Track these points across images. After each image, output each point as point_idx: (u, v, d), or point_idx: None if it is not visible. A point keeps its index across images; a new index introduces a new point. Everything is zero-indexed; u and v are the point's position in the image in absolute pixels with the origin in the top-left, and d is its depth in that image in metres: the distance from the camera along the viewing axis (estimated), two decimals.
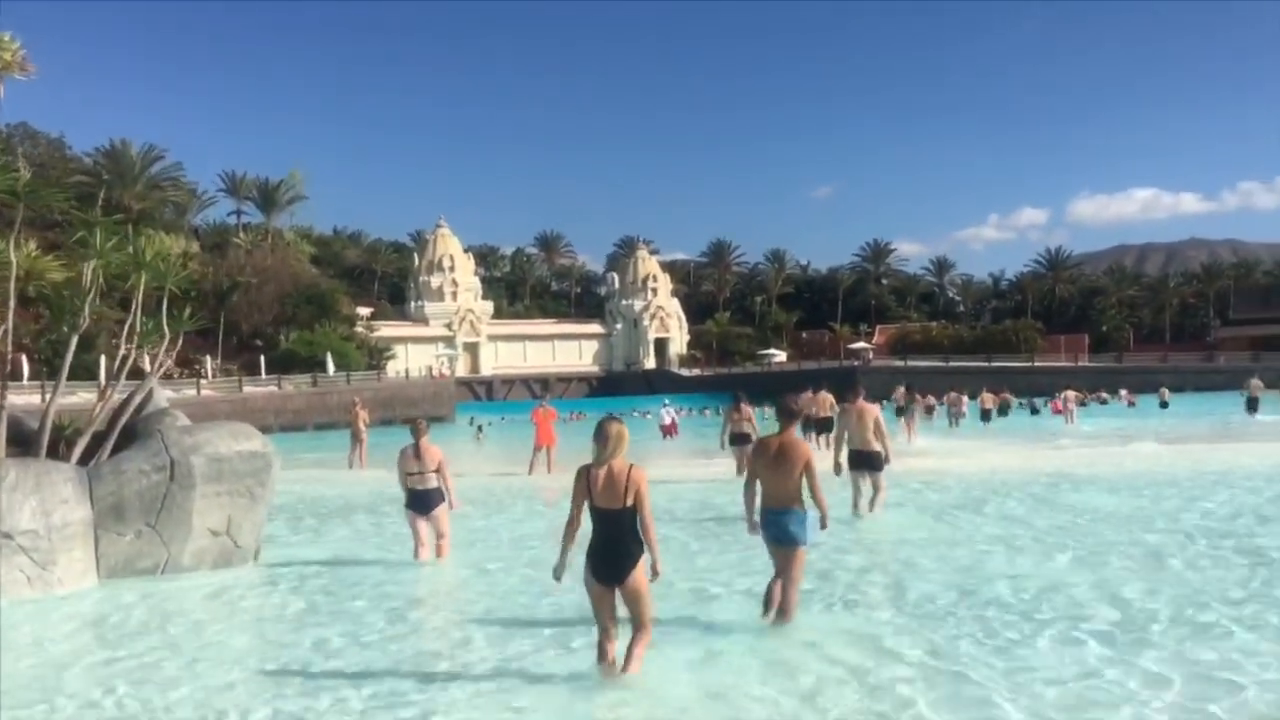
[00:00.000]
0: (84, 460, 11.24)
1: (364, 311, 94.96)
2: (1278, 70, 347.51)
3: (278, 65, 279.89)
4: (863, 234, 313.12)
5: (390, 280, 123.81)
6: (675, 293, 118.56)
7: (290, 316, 78.79)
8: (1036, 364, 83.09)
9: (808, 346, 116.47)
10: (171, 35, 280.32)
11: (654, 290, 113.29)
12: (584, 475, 6.48)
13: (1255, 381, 39.79)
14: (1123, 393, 59.21)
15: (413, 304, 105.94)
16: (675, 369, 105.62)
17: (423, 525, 11.30)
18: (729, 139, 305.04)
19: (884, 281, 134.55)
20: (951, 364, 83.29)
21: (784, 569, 7.66)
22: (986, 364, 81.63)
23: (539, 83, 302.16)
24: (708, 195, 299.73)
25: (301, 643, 8.04)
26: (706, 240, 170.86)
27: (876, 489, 13.75)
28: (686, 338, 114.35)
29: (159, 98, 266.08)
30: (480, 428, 42.23)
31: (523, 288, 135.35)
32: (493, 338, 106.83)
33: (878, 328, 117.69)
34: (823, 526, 7.90)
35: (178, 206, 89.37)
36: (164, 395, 12.80)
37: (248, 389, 62.15)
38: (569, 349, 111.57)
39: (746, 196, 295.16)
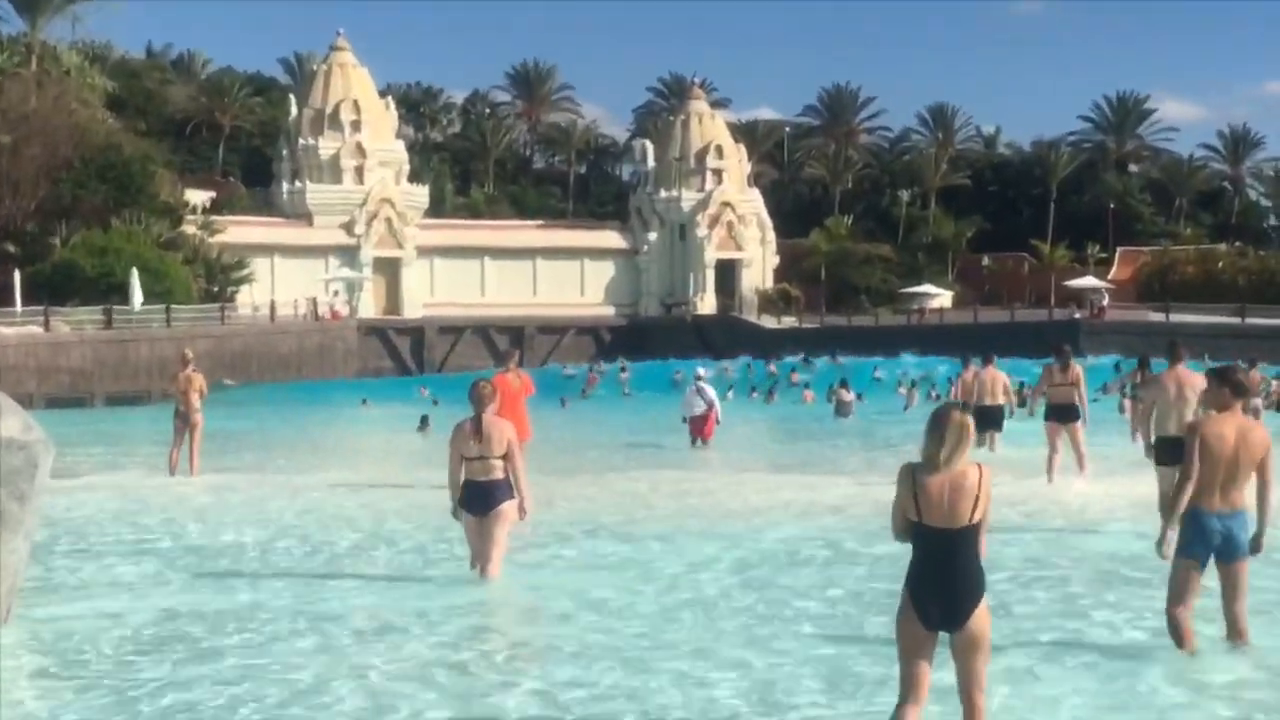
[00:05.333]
0: None
1: (199, 198, 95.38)
2: None
3: None
4: (1096, 83, 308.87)
5: (247, 142, 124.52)
6: (756, 179, 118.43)
7: (69, 203, 79.56)
8: None
9: (992, 282, 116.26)
10: None
11: (718, 173, 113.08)
12: (910, 479, 8.04)
13: None
14: None
15: (285, 186, 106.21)
16: (752, 316, 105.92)
17: (479, 529, 14.48)
18: None
19: (1132, 169, 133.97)
20: (1252, 322, 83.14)
21: (1233, 584, 10.72)
22: None
23: None
24: (818, 11, 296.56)
25: None
26: (815, 88, 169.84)
27: None
28: (774, 260, 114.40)
29: None
30: (426, 418, 43.55)
31: (481, 162, 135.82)
32: (427, 250, 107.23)
33: (1119, 251, 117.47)
34: (1255, 550, 10.77)
35: None
36: None
37: None
38: (564, 275, 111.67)
39: (889, 12, 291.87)
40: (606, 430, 44.79)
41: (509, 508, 14.34)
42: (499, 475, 14.26)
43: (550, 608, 13.60)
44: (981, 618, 8.02)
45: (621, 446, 37.81)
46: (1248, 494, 10.63)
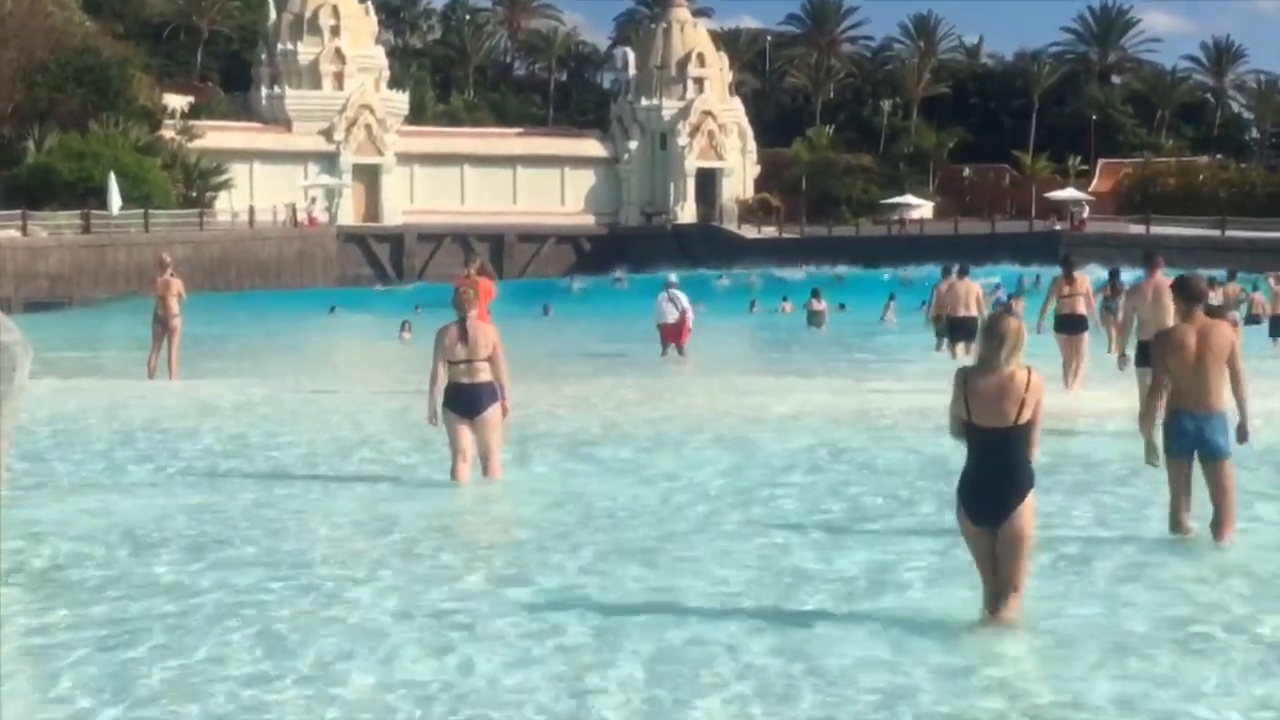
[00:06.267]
0: None
1: (178, 102, 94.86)
2: None
3: None
4: None
5: (225, 47, 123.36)
6: (738, 89, 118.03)
7: (46, 106, 79.08)
8: None
9: (972, 193, 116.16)
10: None
11: (699, 82, 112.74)
12: (963, 382, 8.64)
13: None
14: None
15: (264, 92, 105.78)
16: (733, 225, 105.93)
17: (465, 433, 14.56)
18: None
19: (1114, 80, 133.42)
20: (1232, 235, 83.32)
21: (1214, 482, 11.23)
22: None
23: None
24: None
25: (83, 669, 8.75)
26: None
27: None
28: (755, 169, 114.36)
29: None
30: (406, 324, 43.71)
31: (462, 69, 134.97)
32: (407, 158, 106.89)
33: (1100, 163, 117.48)
34: (1241, 439, 11.27)
35: None
36: None
37: None
38: (543, 183, 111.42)
39: None
40: (585, 338, 44.94)
41: (495, 412, 14.61)
42: (484, 378, 14.49)
43: (534, 510, 13.71)
44: (1023, 516, 8.56)
45: (598, 355, 37.87)
46: (1226, 395, 11.16)
